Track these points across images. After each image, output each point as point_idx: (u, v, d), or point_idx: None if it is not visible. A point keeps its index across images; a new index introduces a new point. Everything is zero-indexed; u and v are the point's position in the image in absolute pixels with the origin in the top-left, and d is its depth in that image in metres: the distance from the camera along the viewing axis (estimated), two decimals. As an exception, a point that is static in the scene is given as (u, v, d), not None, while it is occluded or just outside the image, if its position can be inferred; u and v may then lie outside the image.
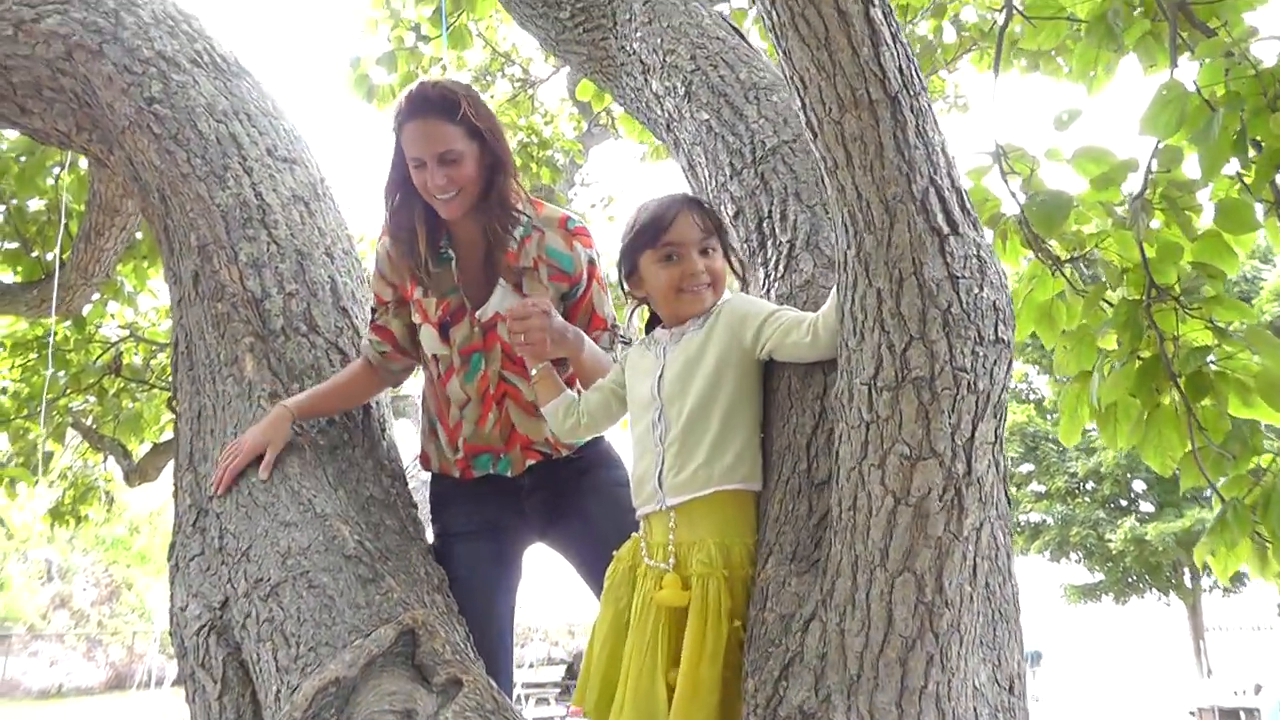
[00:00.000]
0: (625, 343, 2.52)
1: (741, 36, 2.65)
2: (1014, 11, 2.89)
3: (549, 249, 2.32)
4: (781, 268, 2.03)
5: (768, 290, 2.04)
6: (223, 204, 2.63)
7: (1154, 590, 20.87)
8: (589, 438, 2.32)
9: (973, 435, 1.45)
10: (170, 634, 2.12)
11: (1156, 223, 2.71)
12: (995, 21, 5.63)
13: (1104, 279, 2.84)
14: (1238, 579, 19.90)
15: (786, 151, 2.21)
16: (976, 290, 1.45)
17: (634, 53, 2.83)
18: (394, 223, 2.28)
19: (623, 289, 2.04)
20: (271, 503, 2.14)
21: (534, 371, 2.12)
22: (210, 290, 2.56)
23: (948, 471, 1.45)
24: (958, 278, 1.44)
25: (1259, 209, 2.43)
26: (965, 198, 1.48)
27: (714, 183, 2.36)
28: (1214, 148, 2.23)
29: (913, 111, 1.45)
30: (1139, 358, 2.52)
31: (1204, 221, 2.63)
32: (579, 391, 2.17)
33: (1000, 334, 1.46)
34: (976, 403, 1.44)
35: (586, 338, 2.25)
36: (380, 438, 2.46)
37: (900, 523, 1.47)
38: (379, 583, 1.97)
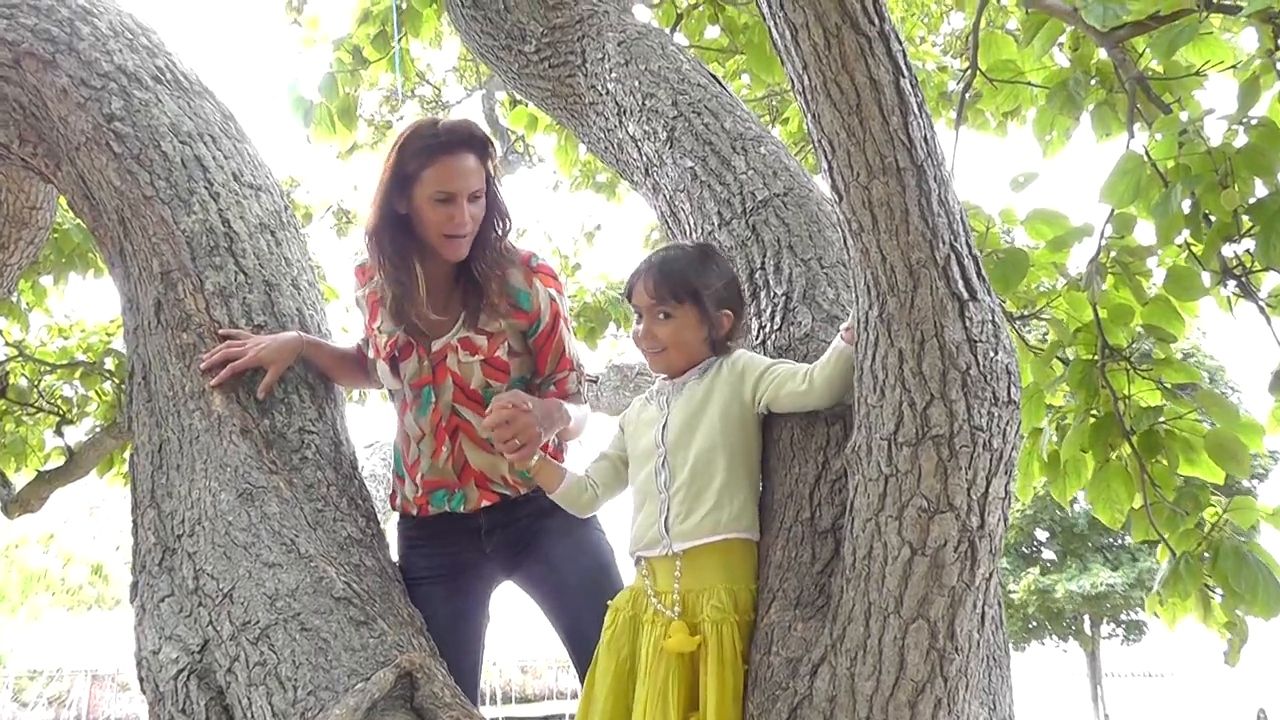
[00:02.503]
0: (592, 381, 2.64)
1: (722, 85, 2.79)
2: (976, 72, 3.11)
3: (509, 285, 2.41)
4: (778, 320, 2.16)
5: (763, 341, 2.17)
6: (188, 229, 2.64)
7: (1053, 637, 21.71)
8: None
9: (987, 490, 1.60)
10: (140, 679, 2.11)
11: (1105, 285, 2.94)
12: (931, 72, 5.95)
13: (1053, 337, 3.05)
14: (1137, 627, 20.85)
15: (778, 205, 2.35)
16: (992, 354, 1.60)
17: (608, 93, 2.95)
18: (393, 265, 2.33)
19: None
20: (252, 542, 2.15)
21: (532, 463, 2.16)
22: (175, 319, 2.56)
23: (963, 524, 1.59)
24: (976, 341, 1.59)
25: (1205, 277, 2.67)
26: (980, 265, 1.64)
27: (700, 231, 2.48)
28: (1170, 219, 2.45)
29: (936, 180, 1.60)
30: (1093, 415, 2.72)
31: (1153, 287, 2.86)
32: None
33: (1012, 395, 1.62)
34: (991, 460, 1.60)
35: (564, 404, 2.36)
36: (352, 476, 2.49)
37: (916, 572, 1.61)
38: (371, 625, 2.01)
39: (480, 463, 2.43)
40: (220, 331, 2.47)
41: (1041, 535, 21.49)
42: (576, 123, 3.19)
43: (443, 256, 2.33)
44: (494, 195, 2.35)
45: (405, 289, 2.34)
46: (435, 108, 9.35)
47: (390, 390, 2.50)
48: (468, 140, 2.27)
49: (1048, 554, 21.48)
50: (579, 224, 9.38)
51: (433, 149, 2.25)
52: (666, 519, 1.97)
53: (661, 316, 2.08)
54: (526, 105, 5.91)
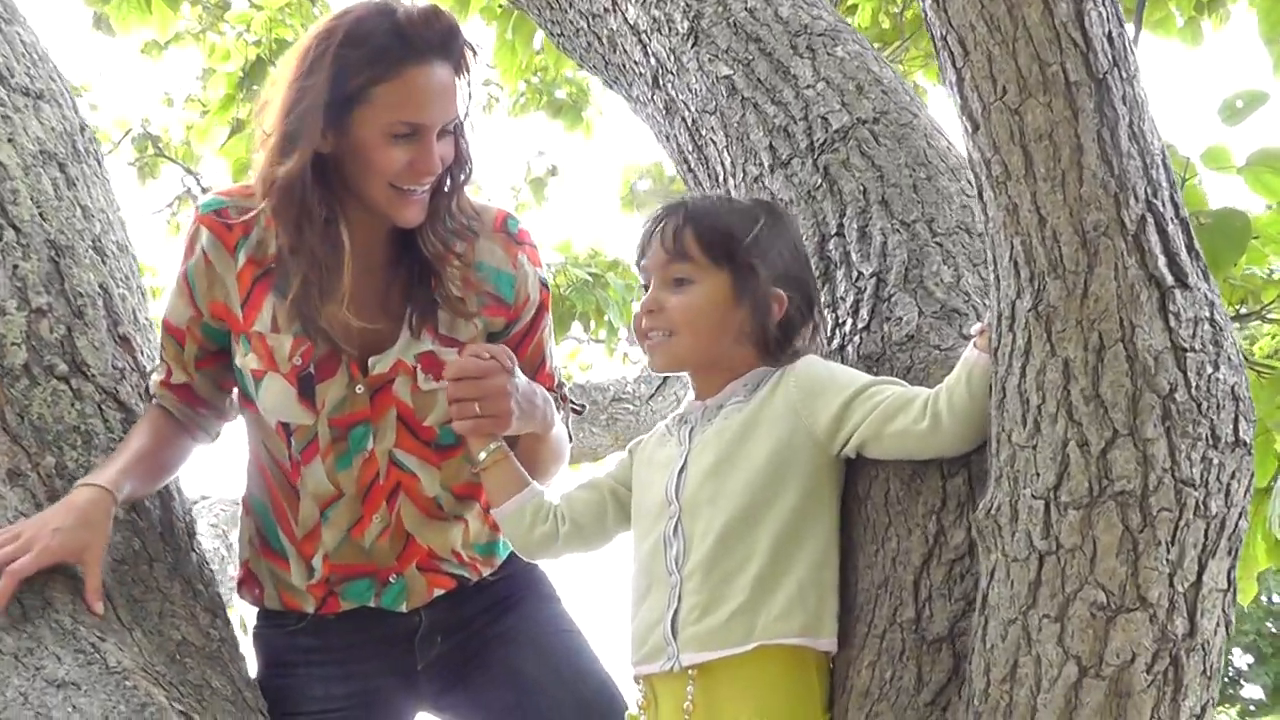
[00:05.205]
0: (577, 410, 2.66)
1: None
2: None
3: (481, 264, 2.43)
4: (865, 314, 2.21)
5: (842, 345, 2.22)
6: (-78, 163, 2.65)
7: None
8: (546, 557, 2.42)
9: (1199, 579, 1.63)
10: None
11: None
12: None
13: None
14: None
15: (865, 136, 2.40)
16: (1210, 370, 1.64)
17: (590, -45, 3.00)
18: (313, 234, 2.28)
19: None
20: (30, 649, 2.15)
21: (482, 455, 2.23)
22: (-98, 303, 2.56)
23: (1162, 630, 1.62)
24: (1185, 350, 1.63)
25: None
26: (1193, 234, 1.68)
27: (741, 175, 2.53)
28: None
29: (1126, 103, 1.65)
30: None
31: None
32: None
33: (1241, 434, 1.66)
34: (1206, 531, 1.63)
35: (554, 407, 2.39)
36: (188, 549, 2.51)
37: (1088, 703, 1.64)
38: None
39: (430, 537, 2.46)
40: None
41: (1241, 660, 21.39)
42: (541, 3, 3.22)
43: (391, 219, 2.32)
44: (460, 129, 2.35)
45: (326, 272, 2.29)
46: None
47: (283, 425, 2.42)
48: (445, 42, 2.24)
49: (1251, 690, 21.40)
50: (524, 164, 9.35)
51: (394, 54, 2.20)
52: (675, 616, 1.99)
53: (677, 281, 2.11)
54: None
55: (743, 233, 2.11)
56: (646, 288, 2.15)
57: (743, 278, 2.10)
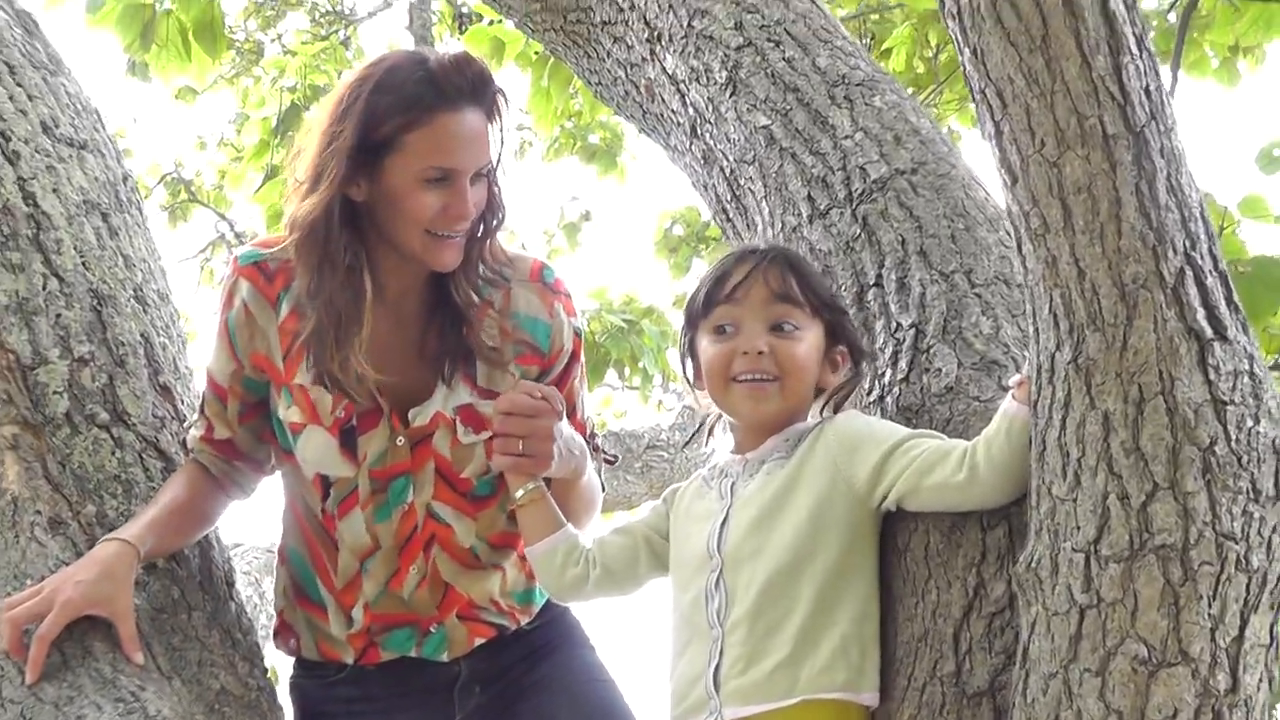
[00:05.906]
0: (610, 460, 2.69)
1: (814, 1, 2.87)
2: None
3: (518, 314, 2.45)
4: (904, 365, 2.23)
5: (881, 397, 2.24)
6: (-34, 211, 2.69)
7: None
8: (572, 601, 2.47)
9: (1241, 634, 1.65)
10: None
11: None
12: None
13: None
14: None
15: (903, 187, 2.43)
16: (1250, 423, 1.66)
17: (633, 7, 3.04)
18: (335, 281, 2.30)
19: (686, 380, 2.26)
20: (70, 698, 2.17)
21: (519, 494, 2.26)
22: (-57, 350, 2.60)
23: (1204, 685, 1.64)
24: (1224, 403, 1.65)
25: None
26: (1232, 287, 1.70)
27: (778, 226, 2.56)
28: None
29: (1164, 155, 1.67)
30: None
31: None
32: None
33: (1282, 488, 1.67)
34: (1248, 586, 1.64)
35: (590, 457, 2.42)
36: (227, 598, 2.54)
37: (1129, 760, 1.65)
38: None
39: (468, 586, 2.49)
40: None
41: None
42: (579, 52, 3.27)
43: (428, 265, 2.34)
44: (493, 174, 2.37)
45: (344, 320, 2.30)
46: (332, 20, 9.43)
47: (321, 477, 2.46)
48: (476, 88, 2.27)
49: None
50: (557, 209, 9.40)
51: (425, 101, 2.23)
52: (718, 669, 2.01)
53: (777, 326, 2.12)
54: (493, 19, 5.95)
55: (832, 288, 2.16)
56: (722, 329, 2.14)
57: (834, 332, 2.16)
